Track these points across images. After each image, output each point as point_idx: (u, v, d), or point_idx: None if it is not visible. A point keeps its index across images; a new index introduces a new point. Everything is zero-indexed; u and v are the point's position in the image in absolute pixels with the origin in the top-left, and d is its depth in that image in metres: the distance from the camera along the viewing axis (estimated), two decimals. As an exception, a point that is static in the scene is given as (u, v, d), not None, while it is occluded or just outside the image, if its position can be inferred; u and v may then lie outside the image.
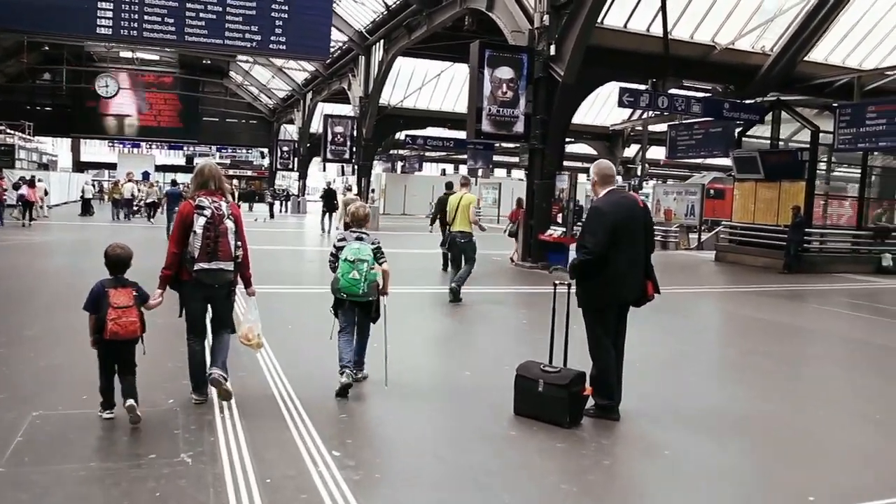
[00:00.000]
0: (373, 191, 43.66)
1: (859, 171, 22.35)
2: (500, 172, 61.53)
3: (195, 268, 5.62)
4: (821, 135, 20.72)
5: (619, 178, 21.94)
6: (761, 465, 5.32)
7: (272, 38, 15.97)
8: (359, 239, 6.46)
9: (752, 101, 21.72)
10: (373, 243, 6.48)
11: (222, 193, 5.86)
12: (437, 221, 16.98)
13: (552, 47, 17.90)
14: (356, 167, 36.19)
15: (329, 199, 28.07)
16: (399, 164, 53.87)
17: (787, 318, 12.55)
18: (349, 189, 25.13)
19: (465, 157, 55.16)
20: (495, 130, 18.14)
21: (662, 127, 35.58)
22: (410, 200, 49.38)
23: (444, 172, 67.62)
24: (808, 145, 21.98)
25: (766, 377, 8.17)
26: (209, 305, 5.96)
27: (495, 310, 12.00)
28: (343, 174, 63.48)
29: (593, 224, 5.94)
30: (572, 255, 5.81)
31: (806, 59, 20.79)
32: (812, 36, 19.46)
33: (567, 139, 33.45)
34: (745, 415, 6.56)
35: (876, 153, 22.02)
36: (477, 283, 13.72)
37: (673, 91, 20.82)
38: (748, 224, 22.63)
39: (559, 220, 18.24)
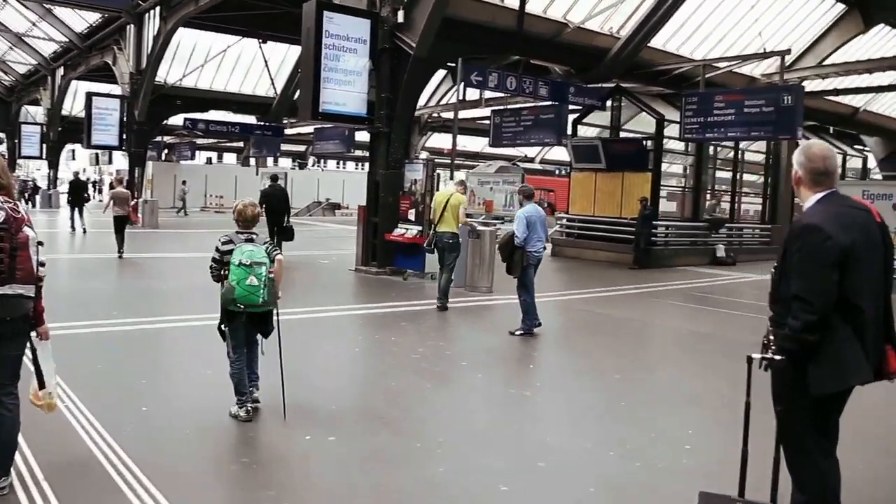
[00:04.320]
0: (184, 182, 38.48)
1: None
2: (283, 162, 57.31)
3: None
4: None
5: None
6: None
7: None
8: (249, 240, 5.67)
9: (594, 86, 20.40)
10: (264, 243, 5.74)
11: (11, 194, 4.22)
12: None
13: (400, 14, 15.21)
14: (128, 155, 31.08)
15: (77, 191, 23.87)
16: (169, 152, 48.30)
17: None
18: (120, 181, 20.98)
19: (242, 144, 51.12)
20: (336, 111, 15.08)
21: (467, 113, 34.06)
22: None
23: (209, 161, 62.59)
24: (643, 133, 21.24)
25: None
26: None
27: (407, 341, 9.13)
28: (97, 163, 56.60)
29: (807, 258, 3.35)
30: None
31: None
32: (663, 19, 18.29)
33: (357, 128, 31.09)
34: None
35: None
36: (328, 298, 11.84)
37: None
38: (588, 216, 21.36)
39: (411, 216, 15.58)
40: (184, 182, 38.50)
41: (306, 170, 57.80)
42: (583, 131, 22.60)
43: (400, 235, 15.36)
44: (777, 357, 3.42)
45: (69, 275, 14.20)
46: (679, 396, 7.15)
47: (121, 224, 16.72)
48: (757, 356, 3.51)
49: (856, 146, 29.50)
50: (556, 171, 49.15)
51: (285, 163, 59.54)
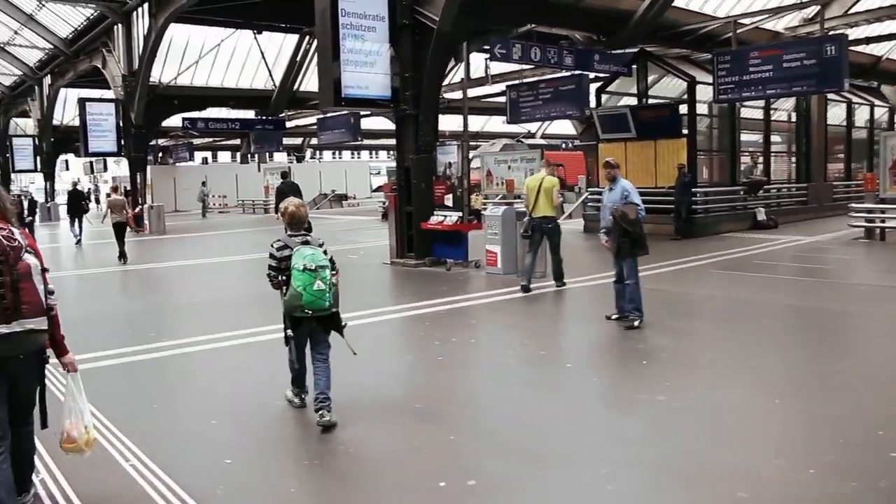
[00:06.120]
0: (203, 183, 37.51)
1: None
2: (278, 157, 56.00)
3: None
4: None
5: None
6: None
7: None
8: (305, 243, 5.44)
9: (618, 52, 19.38)
10: (320, 245, 5.50)
11: (6, 218, 3.87)
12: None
13: (419, -14, 14.17)
14: (128, 160, 29.94)
15: (76, 201, 22.88)
16: (164, 155, 47.11)
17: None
18: (115, 189, 20.06)
19: (238, 141, 49.94)
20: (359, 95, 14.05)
21: (471, 92, 32.91)
22: (182, 195, 43.02)
23: (205, 161, 61.41)
24: (666, 98, 20.32)
25: None
26: (4, 391, 3.80)
27: (489, 342, 8.20)
28: (92, 171, 55.48)
29: None
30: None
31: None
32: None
33: (362, 113, 29.83)
34: None
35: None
36: (376, 298, 11.01)
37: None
38: (620, 189, 20.33)
39: (448, 202, 14.57)
40: (203, 183, 37.53)
41: (304, 162, 56.62)
42: (604, 100, 21.55)
43: (438, 223, 14.36)
44: None
45: (84, 294, 13.18)
46: (832, 380, 6.22)
47: (120, 230, 17.05)
48: None
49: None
50: (563, 145, 48.15)
51: (281, 157, 58.27)
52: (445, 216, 14.35)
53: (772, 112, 22.52)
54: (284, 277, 5.40)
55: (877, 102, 27.15)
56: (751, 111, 22.24)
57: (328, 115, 31.55)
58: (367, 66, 13.94)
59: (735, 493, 4.10)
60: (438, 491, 4.23)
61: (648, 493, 4.17)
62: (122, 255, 16.63)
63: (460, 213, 14.11)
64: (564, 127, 48.28)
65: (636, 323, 8.30)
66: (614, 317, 8.76)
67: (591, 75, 20.50)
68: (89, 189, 49.80)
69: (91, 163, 51.65)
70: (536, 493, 4.18)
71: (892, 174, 16.91)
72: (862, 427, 5.13)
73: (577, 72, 19.14)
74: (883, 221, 16.94)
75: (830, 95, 23.00)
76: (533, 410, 5.70)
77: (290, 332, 5.44)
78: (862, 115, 26.93)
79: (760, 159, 22.46)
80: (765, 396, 5.89)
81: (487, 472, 4.49)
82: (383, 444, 4.98)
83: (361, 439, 5.10)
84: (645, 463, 4.59)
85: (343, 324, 5.54)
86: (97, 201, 49.38)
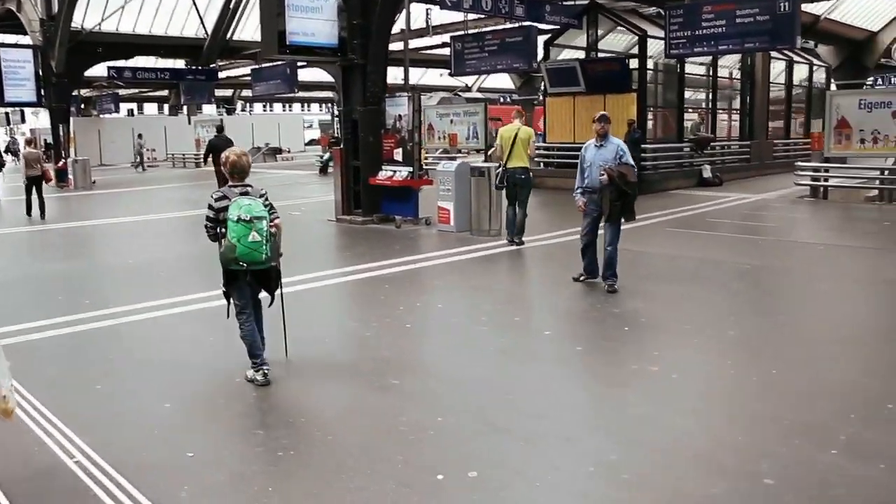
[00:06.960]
0: (140, 136, 35.86)
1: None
2: (207, 108, 53.96)
3: None
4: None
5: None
6: None
7: None
8: (244, 194, 5.14)
9: (569, 3, 18.87)
10: (260, 195, 5.22)
11: None
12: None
13: (368, -74, 13.35)
14: (48, 111, 28.27)
15: None
16: (87, 106, 44.79)
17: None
18: (29, 142, 18.75)
19: (166, 93, 48.06)
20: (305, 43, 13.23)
21: (411, 44, 32.07)
22: (108, 148, 41.04)
23: (131, 113, 58.92)
24: (614, 53, 19.96)
25: None
26: None
27: (458, 306, 7.75)
28: (8, 123, 52.68)
29: None
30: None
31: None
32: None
33: (299, 63, 28.70)
34: None
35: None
36: (326, 259, 10.75)
37: None
38: (568, 144, 19.98)
39: (398, 156, 13.95)
40: (139, 136, 36.02)
41: (236, 115, 54.72)
42: (552, 54, 21.06)
43: (388, 179, 13.74)
44: None
45: (1, 256, 12.17)
46: (817, 346, 6.01)
47: (37, 184, 16.29)
48: None
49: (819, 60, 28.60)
50: (501, 99, 47.69)
51: (210, 109, 56.16)
52: (395, 171, 13.74)
53: (719, 69, 22.37)
54: (223, 230, 5.15)
55: (815, 62, 27.31)
56: (695, 67, 22.04)
57: (264, 65, 30.35)
58: (313, 12, 13.11)
59: (761, 480, 3.76)
60: (437, 486, 3.76)
61: (669, 482, 3.78)
62: (38, 209, 15.98)
63: (410, 168, 13.53)
64: (503, 81, 47.70)
65: (616, 286, 7.94)
66: (582, 278, 8.42)
67: (539, 27, 19.95)
68: (8, 143, 47.24)
69: (7, 114, 48.93)
70: (546, 484, 3.75)
71: (836, 133, 16.93)
72: (866, 400, 4.87)
73: (526, 23, 18.56)
74: (826, 181, 17.05)
75: (773, 53, 22.96)
76: (520, 385, 5.27)
77: (225, 289, 5.33)
78: (799, 75, 27.03)
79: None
80: (760, 366, 5.58)
81: (486, 460, 4.04)
82: (365, 430, 4.47)
83: (339, 424, 4.60)
84: (653, 445, 4.21)
85: (275, 285, 5.41)
86: (15, 154, 46.86)
